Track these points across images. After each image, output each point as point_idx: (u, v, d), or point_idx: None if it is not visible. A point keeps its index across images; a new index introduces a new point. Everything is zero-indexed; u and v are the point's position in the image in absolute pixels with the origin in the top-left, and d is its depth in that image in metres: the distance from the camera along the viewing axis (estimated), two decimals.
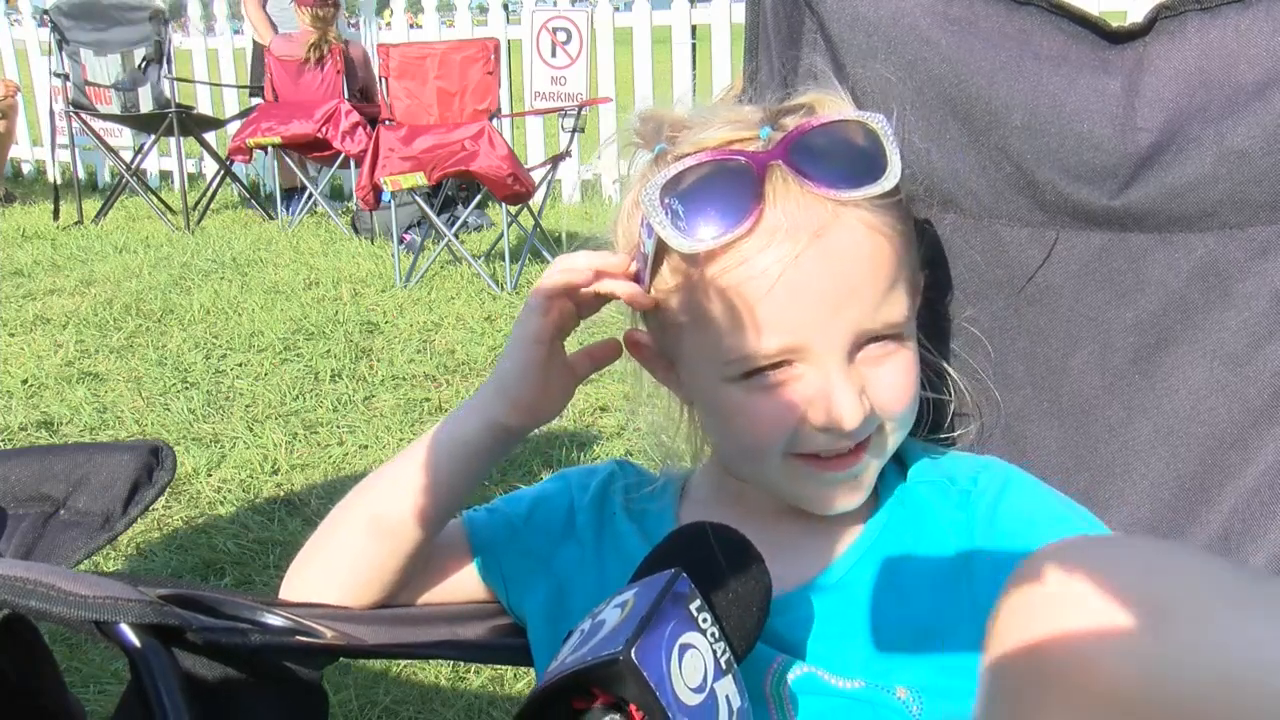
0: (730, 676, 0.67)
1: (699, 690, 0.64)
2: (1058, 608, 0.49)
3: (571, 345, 0.90)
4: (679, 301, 0.81)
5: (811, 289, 0.76)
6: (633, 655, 0.61)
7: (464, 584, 0.96)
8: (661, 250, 0.80)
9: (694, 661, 0.65)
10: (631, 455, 2.95)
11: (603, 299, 0.86)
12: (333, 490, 2.76)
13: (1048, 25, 0.89)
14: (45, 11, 7.08)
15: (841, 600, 0.82)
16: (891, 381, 0.80)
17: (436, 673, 2.01)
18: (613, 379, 3.31)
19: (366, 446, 3.07)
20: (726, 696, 0.66)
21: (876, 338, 0.79)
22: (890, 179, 0.78)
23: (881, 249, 0.78)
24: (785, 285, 0.75)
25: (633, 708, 0.63)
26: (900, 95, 0.92)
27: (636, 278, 0.84)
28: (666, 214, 0.77)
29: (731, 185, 0.77)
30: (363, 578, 0.90)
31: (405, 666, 2.02)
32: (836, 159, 0.77)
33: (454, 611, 0.95)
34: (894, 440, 0.84)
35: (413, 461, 0.90)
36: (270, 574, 2.37)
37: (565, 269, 0.84)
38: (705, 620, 0.67)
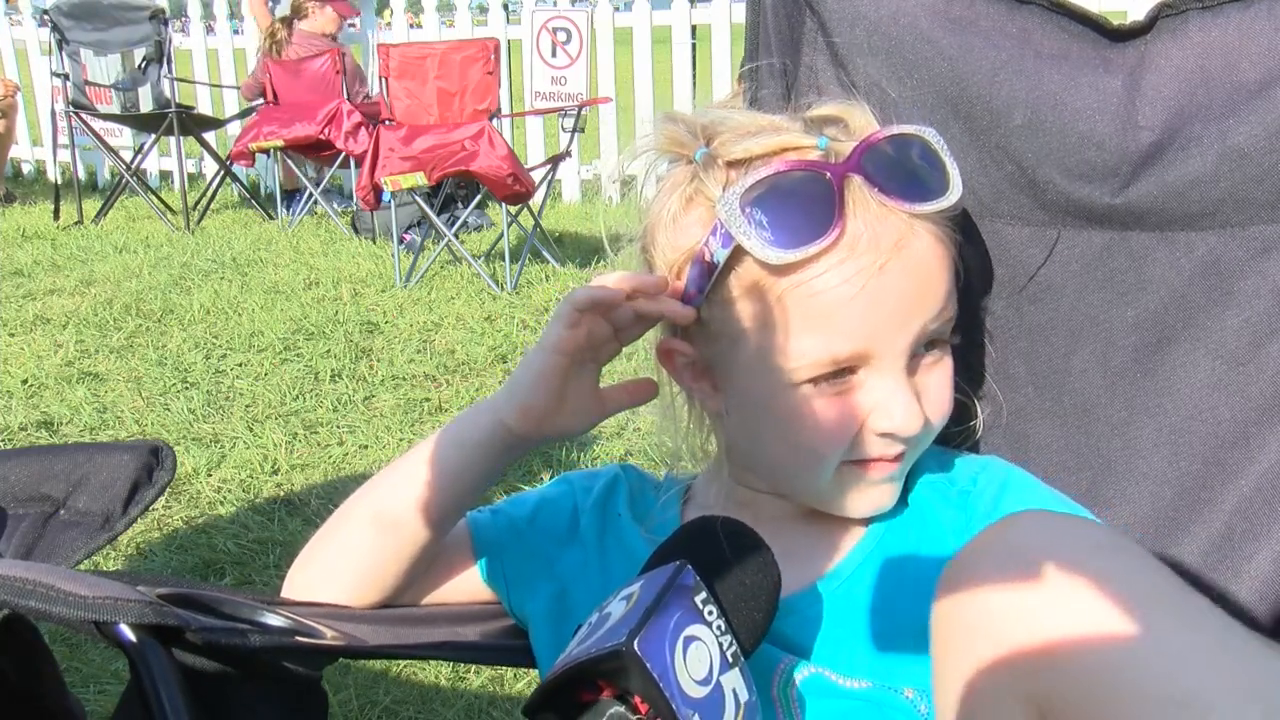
0: (737, 670, 0.67)
1: (704, 683, 0.64)
2: (993, 565, 0.62)
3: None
4: (743, 308, 0.81)
5: (890, 299, 0.77)
6: (635, 646, 0.61)
7: (466, 585, 0.95)
8: (734, 258, 0.79)
9: (699, 653, 0.65)
10: (631, 455, 2.95)
11: (643, 322, 0.85)
12: (333, 490, 2.76)
13: (1049, 24, 0.89)
14: (45, 11, 7.08)
15: (847, 601, 0.82)
16: (939, 386, 0.83)
17: (436, 673, 2.00)
18: (613, 379, 3.32)
19: (366, 446, 3.07)
20: (733, 690, 0.66)
21: (929, 345, 0.81)
22: (955, 193, 0.80)
23: (946, 259, 0.81)
24: (866, 295, 0.77)
25: (638, 699, 0.62)
26: (901, 95, 0.92)
27: (682, 293, 0.83)
28: (750, 224, 0.77)
29: (813, 196, 0.77)
30: (365, 576, 0.90)
31: (405, 666, 2.02)
32: (907, 173, 0.79)
33: (455, 612, 0.95)
34: (927, 443, 0.86)
35: (419, 458, 0.90)
36: (270, 574, 2.37)
37: (597, 286, 0.83)
38: (711, 613, 0.67)
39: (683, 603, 0.66)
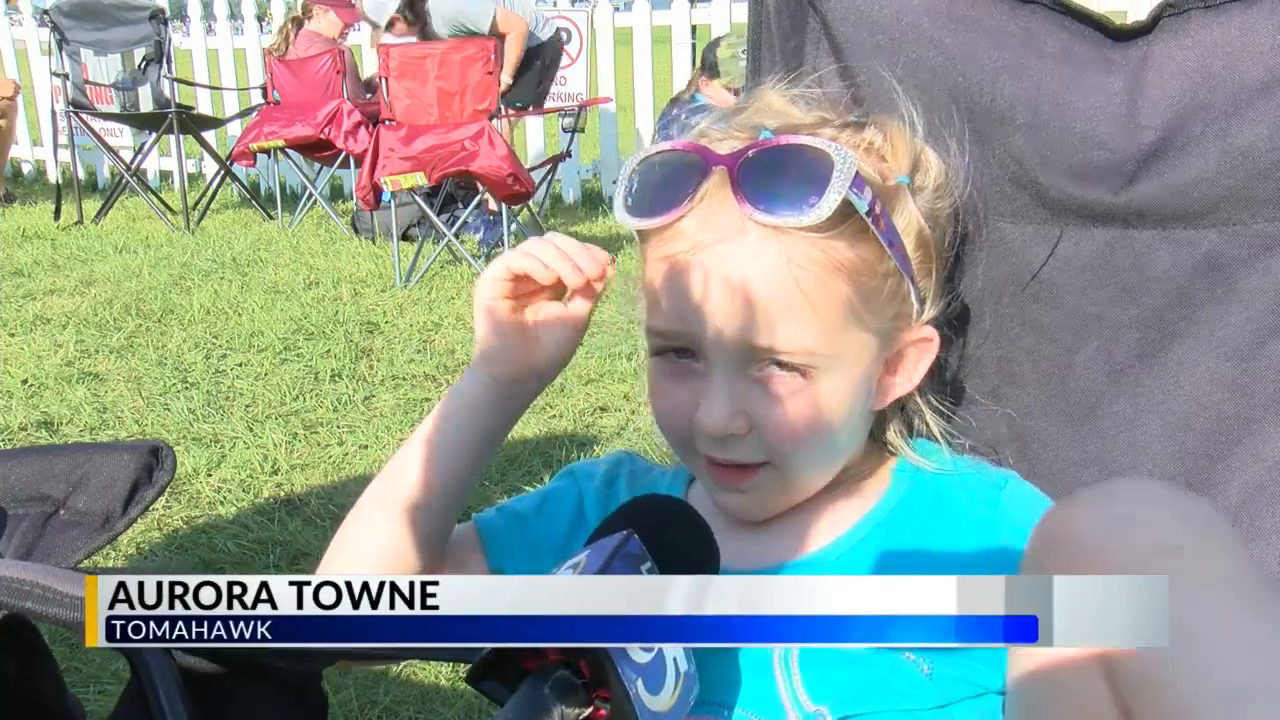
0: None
1: (647, 650, 0.65)
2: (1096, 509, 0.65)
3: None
4: (641, 270, 0.87)
5: (700, 287, 0.79)
6: None
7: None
8: None
9: None
10: None
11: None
12: (333, 490, 2.76)
13: (1051, 23, 0.89)
14: (45, 11, 7.09)
15: (849, 569, 0.83)
16: (783, 412, 0.80)
17: (436, 673, 2.00)
18: (613, 379, 3.32)
19: (366, 446, 3.07)
20: (674, 659, 0.67)
21: (780, 363, 0.80)
22: (814, 215, 0.76)
23: (786, 275, 0.78)
24: (679, 276, 0.79)
25: (582, 664, 0.63)
26: (904, 94, 0.91)
27: None
28: (626, 186, 0.83)
29: (679, 176, 0.80)
30: (383, 565, 0.90)
31: (405, 666, 2.02)
32: (772, 182, 0.78)
33: None
34: (799, 476, 0.84)
35: (419, 437, 0.92)
36: (270, 574, 2.37)
37: (531, 259, 0.85)
38: None
39: (629, 571, 0.67)
